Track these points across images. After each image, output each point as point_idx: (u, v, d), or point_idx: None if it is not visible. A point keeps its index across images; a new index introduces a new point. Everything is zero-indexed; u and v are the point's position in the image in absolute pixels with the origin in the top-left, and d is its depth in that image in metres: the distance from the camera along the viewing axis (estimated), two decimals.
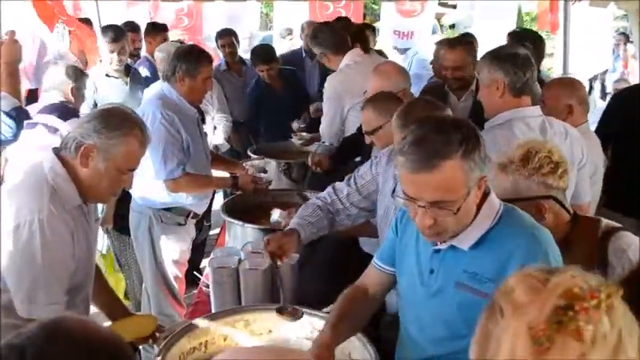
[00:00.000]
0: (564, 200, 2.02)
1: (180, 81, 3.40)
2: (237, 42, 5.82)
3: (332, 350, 1.74)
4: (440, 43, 4.82)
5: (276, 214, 2.99)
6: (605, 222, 2.06)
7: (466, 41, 4.18)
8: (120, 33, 4.70)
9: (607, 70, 9.69)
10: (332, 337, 1.77)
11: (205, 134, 3.84)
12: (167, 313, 3.61)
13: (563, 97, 3.00)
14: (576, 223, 2.06)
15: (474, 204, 1.64)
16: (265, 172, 3.81)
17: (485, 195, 1.69)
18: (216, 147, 4.80)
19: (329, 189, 2.67)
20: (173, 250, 3.60)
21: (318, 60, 4.46)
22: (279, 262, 2.32)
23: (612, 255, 1.95)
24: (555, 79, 3.63)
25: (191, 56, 3.46)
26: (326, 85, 4.04)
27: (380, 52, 5.51)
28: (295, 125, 4.86)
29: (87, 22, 5.68)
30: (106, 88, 4.60)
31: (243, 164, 3.86)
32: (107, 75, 4.67)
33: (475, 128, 1.64)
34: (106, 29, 4.79)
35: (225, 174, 3.80)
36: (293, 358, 1.14)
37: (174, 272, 3.64)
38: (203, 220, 4.08)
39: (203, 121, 3.95)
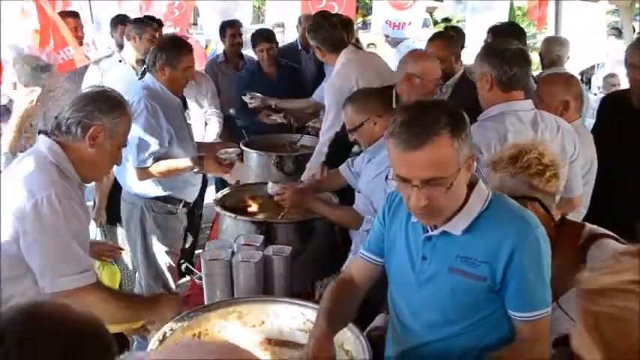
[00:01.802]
0: (551, 205, 2.01)
1: (161, 70, 3.44)
2: (242, 34, 5.84)
3: (331, 342, 1.75)
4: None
5: (269, 186, 3.17)
6: (590, 228, 2.05)
7: (447, 34, 4.19)
8: (142, 24, 4.77)
9: (598, 64, 9.73)
10: (329, 329, 1.77)
11: (189, 124, 3.87)
12: None
13: (559, 92, 3.01)
14: (562, 228, 2.03)
15: (464, 184, 1.67)
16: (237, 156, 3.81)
17: (474, 182, 1.72)
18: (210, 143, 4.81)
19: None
20: (165, 239, 3.62)
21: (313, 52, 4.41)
22: None
23: (589, 263, 1.92)
24: (551, 74, 3.62)
25: (172, 46, 3.48)
26: (328, 85, 4.01)
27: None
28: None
29: (72, 14, 5.65)
30: (114, 75, 4.64)
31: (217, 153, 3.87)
32: (120, 61, 4.70)
33: (458, 109, 1.67)
34: (132, 21, 4.93)
35: None
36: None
37: (166, 262, 3.65)
38: (194, 209, 4.10)
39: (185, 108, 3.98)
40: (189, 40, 7.10)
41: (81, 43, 5.57)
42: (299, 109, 4.93)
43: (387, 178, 1.76)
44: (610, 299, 0.79)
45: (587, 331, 0.83)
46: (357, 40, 5.71)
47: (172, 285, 3.73)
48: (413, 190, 1.61)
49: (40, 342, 1.12)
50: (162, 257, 3.64)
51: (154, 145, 3.36)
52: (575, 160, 2.75)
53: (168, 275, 3.68)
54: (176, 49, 3.47)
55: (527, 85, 2.78)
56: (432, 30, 9.97)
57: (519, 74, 2.65)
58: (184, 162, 3.49)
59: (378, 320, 2.25)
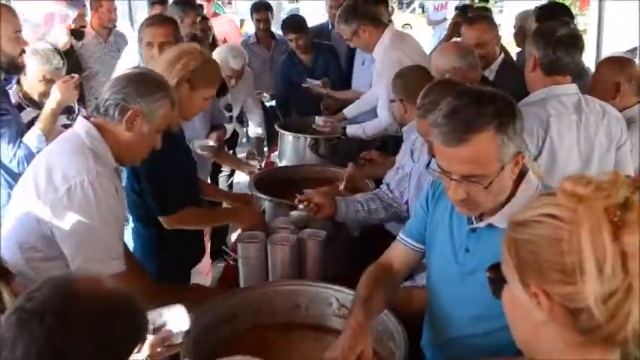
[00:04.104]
0: None
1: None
2: (272, 16, 5.78)
3: (367, 333, 1.71)
4: (464, 20, 4.73)
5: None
6: None
7: (486, 16, 4.07)
8: (185, 6, 4.77)
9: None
10: (365, 319, 1.73)
11: None
12: None
13: (610, 74, 2.95)
14: None
15: (510, 180, 1.62)
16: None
17: (523, 174, 1.66)
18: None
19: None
20: None
21: (346, 41, 4.23)
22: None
23: None
24: (607, 57, 3.54)
25: (144, 20, 3.40)
26: (385, 59, 3.86)
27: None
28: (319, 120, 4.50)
29: None
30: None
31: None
32: None
33: (512, 102, 1.61)
34: (175, 2, 4.91)
35: None
36: None
37: None
38: None
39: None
40: (219, 18, 7.09)
41: (114, 26, 5.64)
42: (348, 100, 4.78)
43: (428, 165, 1.73)
44: (527, 228, 1.01)
45: (509, 255, 1.04)
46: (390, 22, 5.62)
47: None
48: (452, 182, 1.59)
49: (78, 318, 1.15)
50: None
51: None
52: (622, 146, 2.68)
53: None
54: (144, 22, 3.35)
55: (574, 71, 2.68)
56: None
57: (565, 59, 2.57)
58: None
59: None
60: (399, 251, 1.98)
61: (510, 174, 1.60)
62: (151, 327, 1.78)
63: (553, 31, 2.61)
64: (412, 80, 2.99)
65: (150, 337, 1.76)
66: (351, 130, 4.00)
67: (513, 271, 1.03)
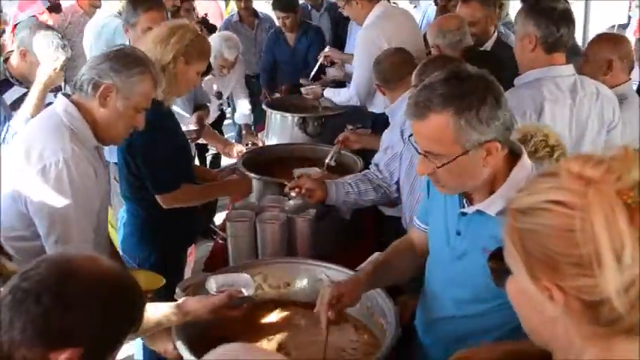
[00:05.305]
0: None
1: (126, 32, 3.30)
2: None
3: (361, 289, 1.85)
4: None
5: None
6: None
7: None
8: None
9: (625, 23, 9.47)
10: (368, 276, 1.88)
11: None
12: None
13: (603, 50, 2.92)
14: None
15: (480, 167, 1.56)
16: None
17: (516, 159, 1.62)
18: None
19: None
20: None
21: (339, 8, 4.18)
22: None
23: None
24: (600, 34, 3.52)
25: (130, 1, 3.28)
26: (362, 36, 3.85)
27: None
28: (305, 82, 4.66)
29: None
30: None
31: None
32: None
33: (489, 87, 1.54)
34: None
35: None
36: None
37: None
38: None
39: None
40: None
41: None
42: None
43: (410, 136, 1.71)
44: (531, 217, 0.91)
45: (513, 246, 0.95)
46: None
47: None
48: (420, 156, 1.62)
49: (74, 298, 1.13)
50: None
51: None
52: (614, 128, 2.64)
53: None
54: (133, 4, 3.21)
55: (569, 47, 2.63)
56: None
57: (565, 36, 2.50)
58: None
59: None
60: (415, 235, 2.02)
61: (482, 162, 1.55)
62: (215, 288, 1.95)
63: (552, 8, 2.52)
64: (385, 67, 3.08)
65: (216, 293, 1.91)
66: (327, 92, 4.12)
67: (520, 263, 0.94)
